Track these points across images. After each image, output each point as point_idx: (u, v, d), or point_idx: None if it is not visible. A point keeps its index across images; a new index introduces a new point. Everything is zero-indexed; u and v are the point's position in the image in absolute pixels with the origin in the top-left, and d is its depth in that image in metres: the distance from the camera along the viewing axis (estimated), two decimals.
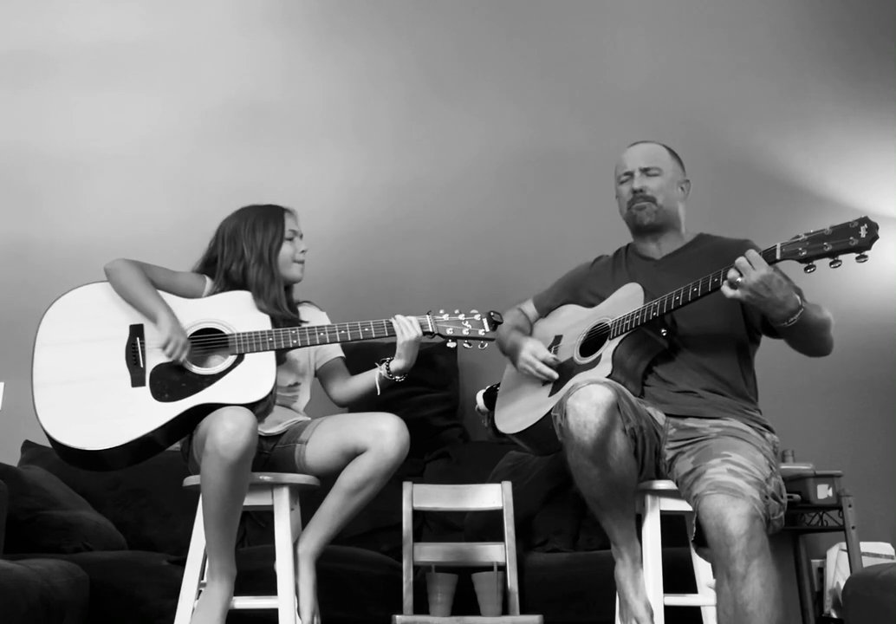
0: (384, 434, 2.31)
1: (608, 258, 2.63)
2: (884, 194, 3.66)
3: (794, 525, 3.26)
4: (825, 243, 1.98)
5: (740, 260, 2.07)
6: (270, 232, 2.59)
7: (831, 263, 2.01)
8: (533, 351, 2.46)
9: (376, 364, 2.57)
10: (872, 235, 1.94)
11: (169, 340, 2.34)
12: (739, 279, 2.07)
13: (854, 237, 1.95)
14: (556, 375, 2.42)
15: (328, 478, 2.40)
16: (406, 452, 2.34)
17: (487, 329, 2.48)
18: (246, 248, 2.57)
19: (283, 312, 2.50)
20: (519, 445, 2.55)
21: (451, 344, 2.51)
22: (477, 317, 2.50)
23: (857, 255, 1.97)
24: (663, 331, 2.32)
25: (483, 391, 2.71)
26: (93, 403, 2.31)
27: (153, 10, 3.87)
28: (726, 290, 2.10)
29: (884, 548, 3.26)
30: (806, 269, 2.03)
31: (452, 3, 3.92)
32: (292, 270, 2.62)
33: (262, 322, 2.45)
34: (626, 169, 2.50)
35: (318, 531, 2.35)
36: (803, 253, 2.01)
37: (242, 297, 2.51)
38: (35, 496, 2.82)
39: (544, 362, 2.43)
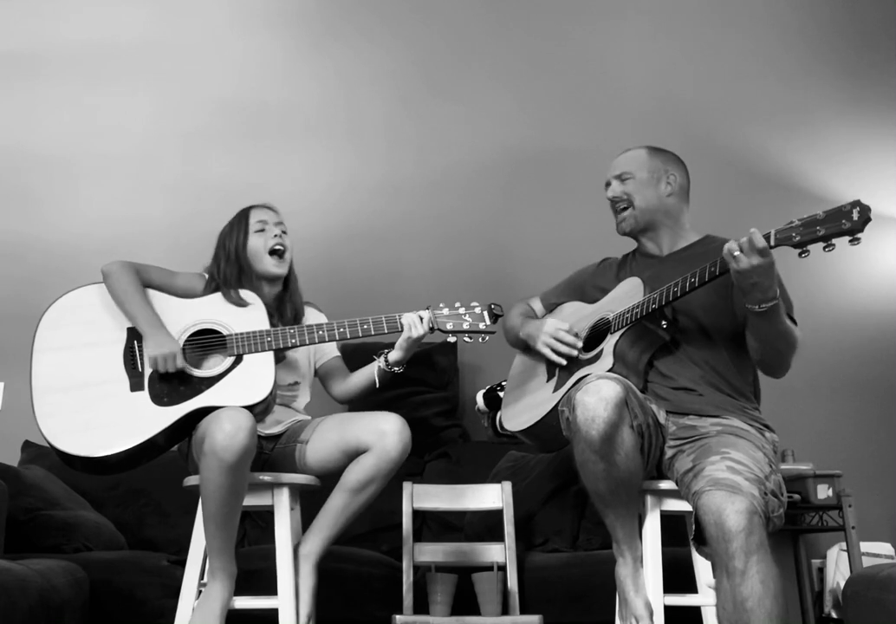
0: (386, 434, 2.31)
1: (615, 260, 2.63)
2: (884, 194, 3.66)
3: (794, 525, 3.26)
4: (818, 227, 1.97)
5: (744, 240, 2.03)
6: (235, 230, 2.62)
7: (825, 247, 1.98)
8: (555, 325, 2.46)
9: (374, 357, 2.57)
10: (865, 217, 1.91)
11: (155, 360, 2.33)
12: (737, 253, 2.04)
13: (846, 220, 1.93)
14: (578, 347, 2.41)
15: (328, 478, 2.40)
16: (408, 452, 2.34)
17: (488, 322, 2.45)
18: (222, 254, 2.60)
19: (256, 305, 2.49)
20: (520, 443, 2.55)
21: (451, 338, 2.48)
22: (477, 310, 2.47)
23: (850, 237, 1.95)
24: (664, 323, 2.32)
25: (483, 391, 2.71)
26: (93, 410, 2.30)
27: (146, 10, 3.87)
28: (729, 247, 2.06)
29: (884, 548, 3.26)
30: (800, 253, 2.02)
31: (447, 3, 3.92)
32: (265, 262, 2.59)
33: (260, 321, 2.45)
34: (606, 180, 2.54)
35: (321, 532, 2.35)
36: (797, 238, 2.00)
37: None
38: (35, 496, 2.82)
39: (567, 333, 2.43)
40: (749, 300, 2.11)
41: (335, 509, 2.34)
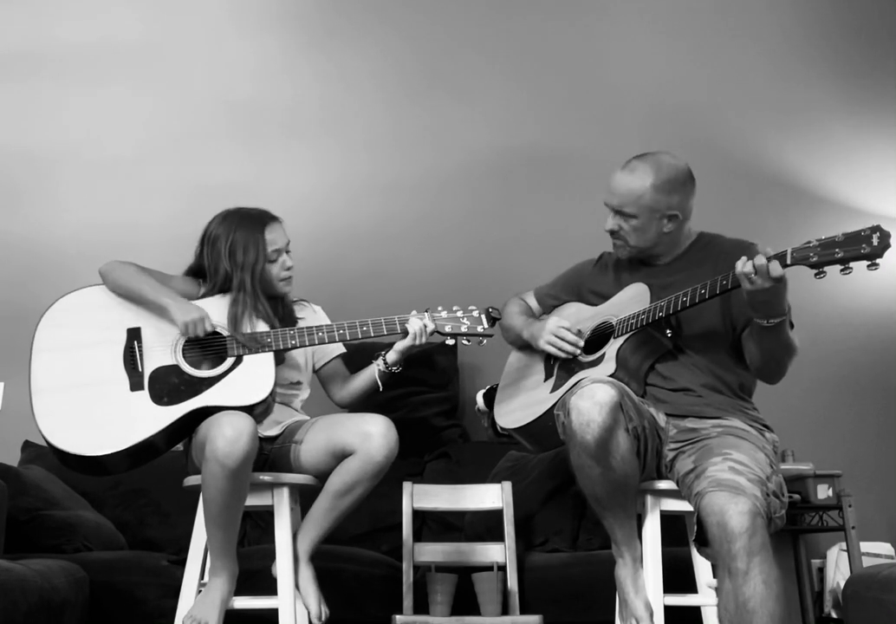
0: (371, 437, 2.29)
1: (610, 257, 2.59)
2: (884, 194, 3.65)
3: (795, 525, 3.25)
4: (836, 250, 1.97)
5: (760, 261, 2.03)
6: (251, 256, 2.47)
7: (842, 270, 1.99)
8: (558, 324, 2.45)
9: (372, 360, 2.57)
10: (884, 244, 1.93)
11: (186, 325, 2.35)
12: (753, 276, 2.03)
13: (866, 245, 1.94)
14: (580, 345, 2.41)
15: (325, 478, 2.39)
16: (394, 454, 2.32)
17: (486, 325, 2.47)
18: (229, 268, 2.48)
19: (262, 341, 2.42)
20: (518, 442, 2.55)
21: (449, 341, 2.49)
22: (475, 313, 2.48)
23: (869, 263, 1.96)
24: (668, 331, 2.31)
25: (483, 391, 2.71)
26: (92, 409, 2.31)
27: (145, 10, 3.85)
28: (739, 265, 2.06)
29: (884, 548, 3.26)
30: (816, 274, 2.02)
31: (449, 1, 3.91)
32: (277, 288, 2.55)
33: (260, 323, 2.45)
34: (605, 201, 2.41)
35: (308, 532, 2.35)
36: (814, 259, 2.00)
37: None
38: (35, 496, 2.81)
39: (569, 331, 2.43)
40: (757, 315, 2.12)
41: (321, 511, 2.34)
